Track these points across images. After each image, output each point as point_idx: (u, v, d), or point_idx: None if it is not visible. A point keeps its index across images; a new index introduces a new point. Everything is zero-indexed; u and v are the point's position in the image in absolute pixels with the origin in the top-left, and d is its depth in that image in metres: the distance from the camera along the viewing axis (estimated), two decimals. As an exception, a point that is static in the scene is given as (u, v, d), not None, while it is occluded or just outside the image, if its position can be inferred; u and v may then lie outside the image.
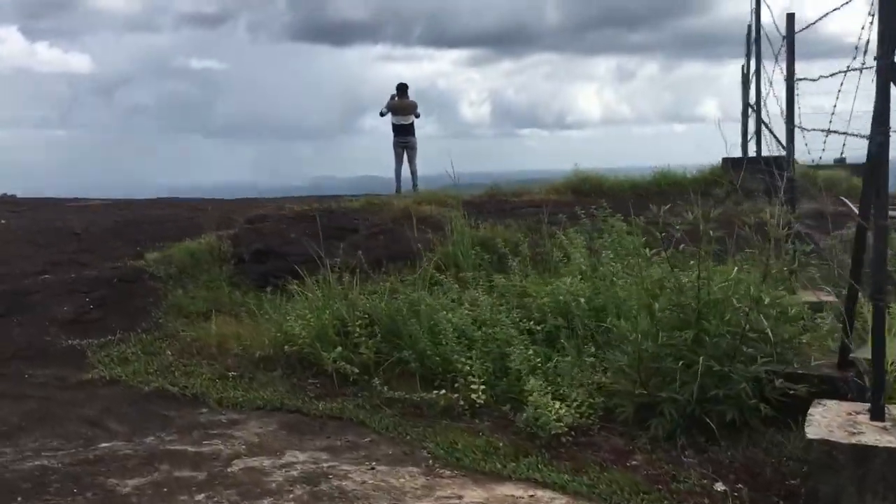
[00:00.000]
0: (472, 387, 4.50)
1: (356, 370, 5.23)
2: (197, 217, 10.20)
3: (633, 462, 3.88)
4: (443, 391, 4.67)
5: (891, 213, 3.65)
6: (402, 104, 14.43)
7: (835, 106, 4.42)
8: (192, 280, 7.64)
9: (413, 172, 14.51)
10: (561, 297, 5.11)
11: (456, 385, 4.76)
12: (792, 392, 3.84)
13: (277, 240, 7.68)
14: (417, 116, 14.63)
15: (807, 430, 3.26)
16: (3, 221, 10.59)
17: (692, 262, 4.24)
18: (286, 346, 5.60)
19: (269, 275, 7.22)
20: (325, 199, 11.54)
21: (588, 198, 8.68)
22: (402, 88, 14.53)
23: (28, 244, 9.01)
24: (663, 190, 8.55)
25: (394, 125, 14.43)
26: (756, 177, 7.70)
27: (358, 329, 5.40)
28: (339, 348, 5.32)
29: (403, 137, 14.45)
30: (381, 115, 14.63)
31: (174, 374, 5.50)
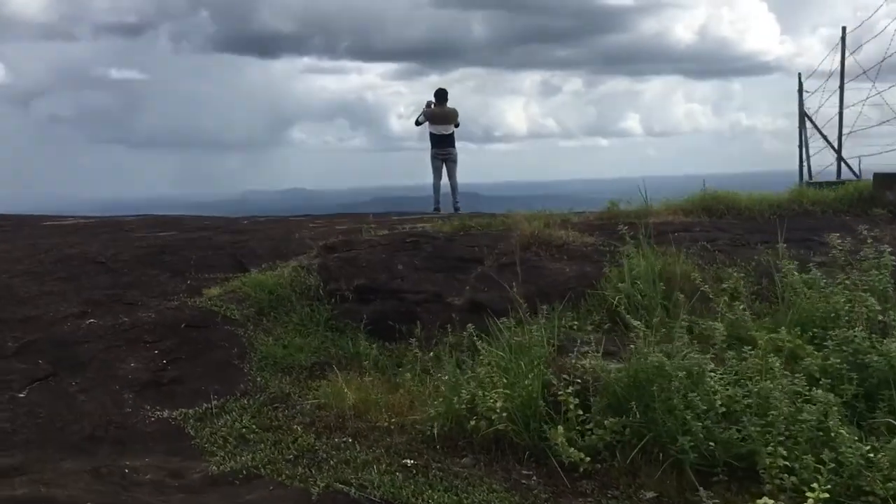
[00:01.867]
0: (809, 494, 3.29)
1: (586, 457, 3.96)
2: (231, 239, 8.70)
3: None
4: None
5: None
6: (441, 112, 13.19)
7: None
8: (277, 323, 6.22)
9: (453, 188, 13.26)
10: (859, 356, 3.95)
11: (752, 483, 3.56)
12: None
13: (383, 273, 6.32)
14: (457, 126, 13.40)
15: None
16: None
17: None
18: (472, 422, 4.29)
19: (381, 317, 5.87)
20: (383, 218, 10.20)
21: (723, 218, 7.60)
22: (441, 95, 13.28)
23: (49, 277, 7.41)
24: (806, 209, 7.51)
25: (431, 135, 13.18)
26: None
27: (571, 399, 4.14)
28: (560, 427, 4.04)
29: (443, 149, 13.21)
30: (417, 124, 13.33)
31: (331, 464, 4.11)
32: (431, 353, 5.17)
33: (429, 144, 13.24)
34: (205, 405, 5.00)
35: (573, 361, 4.38)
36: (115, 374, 5.38)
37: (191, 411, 4.90)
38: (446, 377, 4.58)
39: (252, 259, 7.89)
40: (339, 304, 6.25)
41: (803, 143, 13.69)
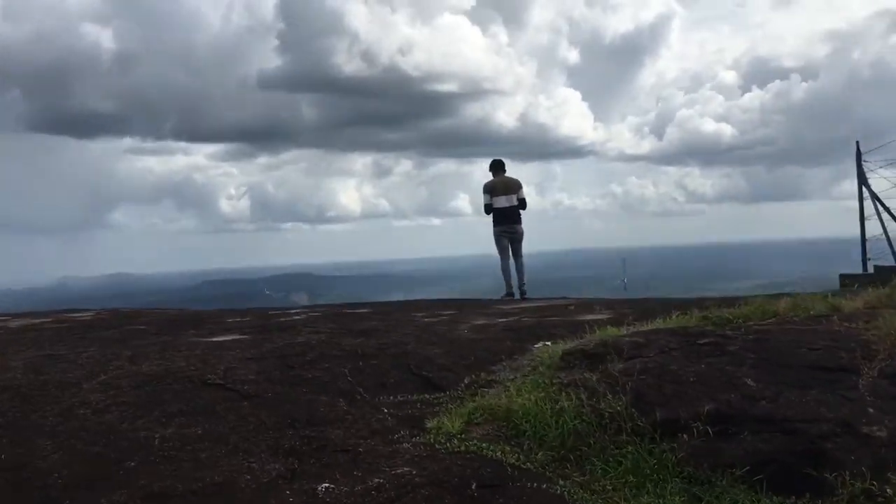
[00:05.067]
0: None
1: None
2: (363, 342, 6.54)
3: None
4: None
5: None
6: (502, 182, 11.51)
7: None
8: (594, 475, 4.21)
9: (519, 270, 11.50)
10: None
11: None
12: None
13: (727, 391, 4.49)
14: (522, 200, 11.70)
15: None
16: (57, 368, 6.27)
17: None
18: None
19: (768, 460, 4.04)
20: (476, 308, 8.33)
21: None
22: (498, 164, 11.64)
23: (162, 412, 5.00)
24: None
25: (494, 211, 11.44)
26: None
27: None
28: None
29: (507, 225, 11.45)
30: (487, 209, 11.54)
31: None
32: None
33: (491, 223, 11.54)
34: None
35: None
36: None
37: None
38: None
39: (431, 369, 5.82)
40: (670, 440, 4.35)
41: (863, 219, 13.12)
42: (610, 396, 4.63)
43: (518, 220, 11.52)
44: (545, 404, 4.71)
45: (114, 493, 3.83)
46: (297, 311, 10.76)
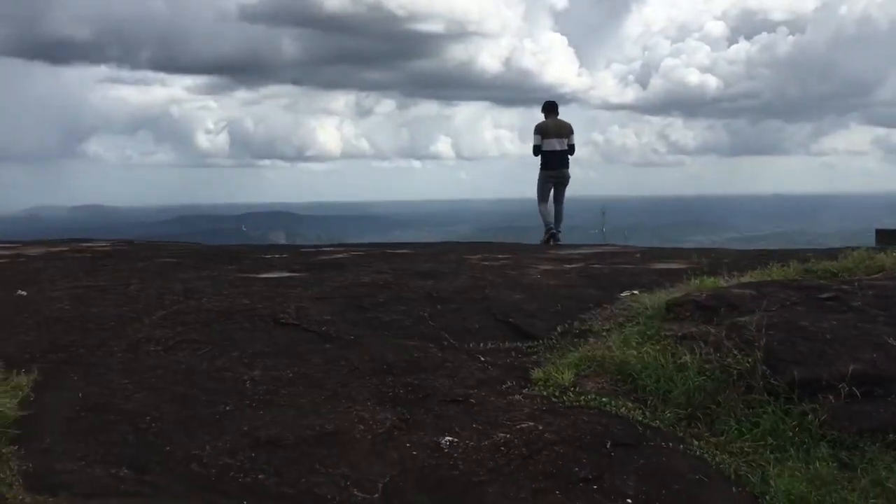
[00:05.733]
0: None
1: None
2: (434, 286, 6.14)
3: None
4: None
5: None
6: (555, 125, 11.03)
7: None
8: (729, 436, 3.88)
9: (558, 215, 11.11)
10: None
11: None
12: None
13: (870, 350, 4.14)
14: (572, 146, 11.23)
15: None
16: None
17: None
18: None
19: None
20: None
21: None
22: (552, 106, 11.12)
23: (245, 354, 4.62)
24: None
25: (543, 153, 10.97)
26: None
27: None
28: None
29: (556, 169, 11.01)
30: (536, 150, 11.05)
31: None
32: None
33: (538, 164, 11.07)
34: None
35: None
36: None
37: None
38: None
39: (518, 315, 5.45)
40: (809, 401, 4.01)
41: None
42: (737, 352, 4.26)
43: (566, 164, 11.08)
44: (664, 358, 4.35)
45: (218, 440, 3.47)
46: (332, 248, 10.33)
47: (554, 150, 10.82)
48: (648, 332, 4.78)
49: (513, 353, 4.84)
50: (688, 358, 4.31)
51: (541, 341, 5.01)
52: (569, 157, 11.02)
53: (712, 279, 5.60)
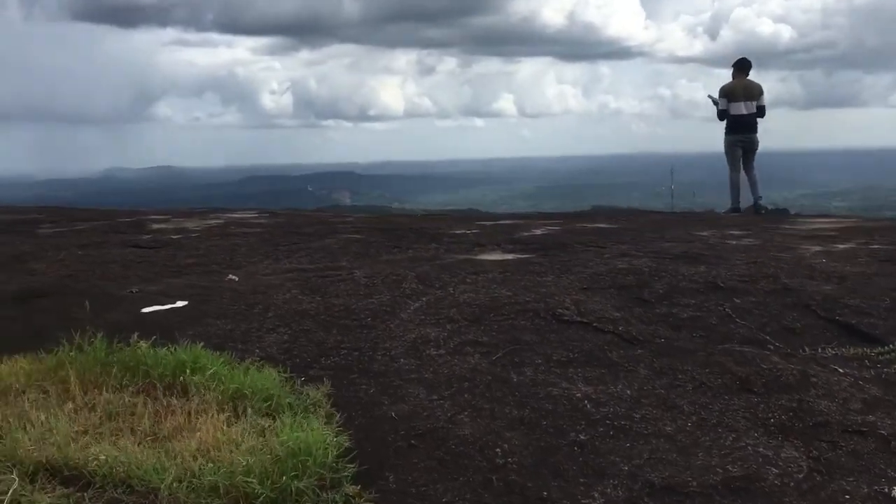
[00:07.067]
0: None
1: None
2: (706, 271, 5.30)
3: None
4: None
5: None
6: (742, 86, 10.00)
7: None
8: None
9: (753, 182, 10.10)
10: None
11: None
12: None
13: None
14: (762, 108, 10.18)
15: None
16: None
17: None
18: None
19: None
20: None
21: None
22: (743, 64, 10.07)
23: (568, 369, 3.91)
24: None
25: (729, 117, 10.03)
26: None
27: None
28: None
29: (743, 134, 10.07)
30: (722, 115, 10.09)
31: None
32: None
33: (724, 129, 10.13)
34: None
35: None
36: None
37: None
38: None
39: (844, 312, 4.53)
40: None
41: None
42: None
43: (755, 128, 10.12)
44: None
45: (601, 484, 2.77)
46: (527, 221, 9.53)
47: (740, 113, 9.87)
48: None
49: (866, 362, 3.95)
50: None
51: (891, 346, 4.10)
52: (757, 120, 10.01)
53: None
